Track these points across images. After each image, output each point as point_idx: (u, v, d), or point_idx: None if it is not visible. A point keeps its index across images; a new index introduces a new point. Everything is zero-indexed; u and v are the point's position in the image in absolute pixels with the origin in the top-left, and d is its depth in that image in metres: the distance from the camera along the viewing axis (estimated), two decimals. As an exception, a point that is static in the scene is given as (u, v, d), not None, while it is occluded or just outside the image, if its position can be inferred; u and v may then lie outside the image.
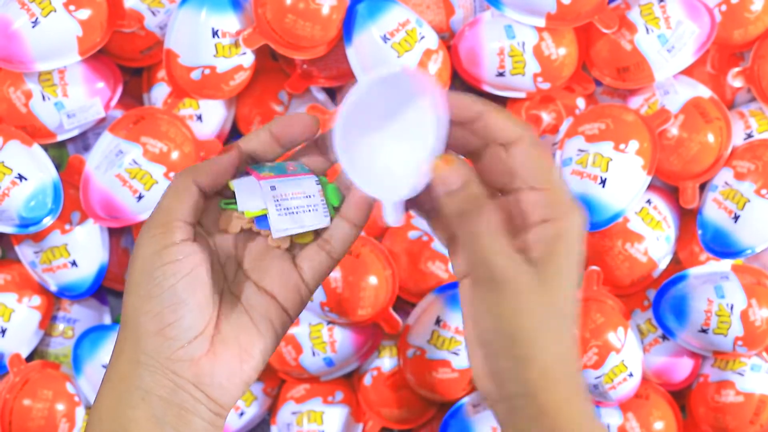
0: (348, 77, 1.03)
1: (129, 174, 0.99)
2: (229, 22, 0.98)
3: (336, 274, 0.98)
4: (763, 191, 0.97)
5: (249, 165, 0.64)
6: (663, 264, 1.03)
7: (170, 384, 0.60)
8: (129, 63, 1.05)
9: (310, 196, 0.64)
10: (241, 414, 1.05)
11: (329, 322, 1.02)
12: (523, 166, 0.62)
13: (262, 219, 0.63)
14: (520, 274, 0.60)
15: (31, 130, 1.00)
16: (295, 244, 0.65)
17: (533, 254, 0.61)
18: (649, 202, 1.02)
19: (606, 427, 1.00)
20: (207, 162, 0.63)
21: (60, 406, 1.00)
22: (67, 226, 1.02)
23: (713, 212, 1.00)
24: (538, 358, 0.60)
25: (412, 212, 0.66)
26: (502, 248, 0.60)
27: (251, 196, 0.63)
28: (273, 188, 0.63)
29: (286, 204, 0.63)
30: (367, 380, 1.04)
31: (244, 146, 0.64)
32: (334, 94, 1.09)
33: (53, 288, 1.03)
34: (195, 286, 0.60)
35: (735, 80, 1.02)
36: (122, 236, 1.07)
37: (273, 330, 0.63)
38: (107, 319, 1.08)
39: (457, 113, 0.61)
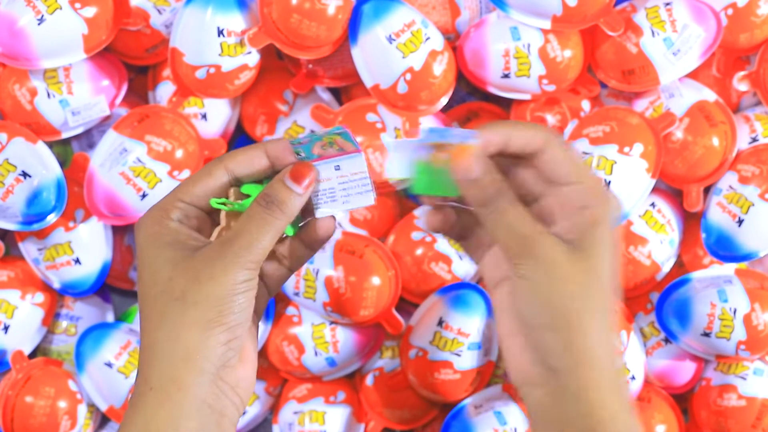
0: (353, 77, 1.03)
1: (133, 172, 0.99)
2: (235, 21, 0.98)
3: (339, 275, 0.98)
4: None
5: (291, 142, 0.65)
6: (666, 267, 1.03)
7: (217, 391, 0.62)
8: (134, 61, 1.05)
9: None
10: (243, 413, 1.05)
11: (332, 322, 1.02)
12: (556, 168, 0.64)
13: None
14: (559, 250, 0.62)
15: (35, 128, 1.00)
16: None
17: (569, 236, 0.63)
18: (653, 205, 1.02)
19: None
20: (240, 149, 0.66)
21: (62, 404, 1.01)
22: (70, 224, 1.02)
23: (717, 216, 1.00)
24: (583, 329, 0.61)
25: (438, 236, 0.68)
26: (536, 226, 0.63)
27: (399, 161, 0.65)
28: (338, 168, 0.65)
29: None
30: (369, 380, 1.04)
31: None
32: (339, 93, 1.09)
33: (56, 285, 1.03)
34: (252, 300, 0.63)
35: (740, 84, 1.02)
36: (126, 234, 1.08)
37: (257, 330, 0.68)
38: (110, 317, 1.08)
39: (493, 146, 0.64)
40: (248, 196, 0.65)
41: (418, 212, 1.03)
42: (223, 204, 0.65)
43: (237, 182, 0.66)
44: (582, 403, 0.61)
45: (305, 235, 0.67)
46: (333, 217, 0.67)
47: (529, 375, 0.64)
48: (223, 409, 0.62)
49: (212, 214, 0.66)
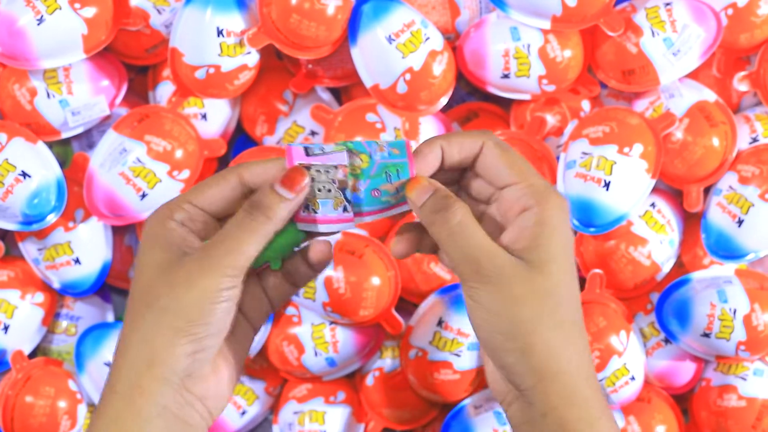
0: (353, 77, 1.03)
1: (133, 172, 0.99)
2: (234, 21, 0.98)
3: (338, 275, 0.98)
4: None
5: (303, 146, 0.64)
6: (666, 268, 1.03)
7: (182, 400, 0.61)
8: (134, 61, 1.05)
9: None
10: (243, 413, 1.05)
11: (332, 323, 1.02)
12: (493, 170, 0.63)
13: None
14: (506, 265, 0.60)
15: (35, 128, 1.00)
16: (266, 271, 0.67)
17: (518, 245, 0.61)
18: (653, 205, 1.02)
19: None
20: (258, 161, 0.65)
21: (62, 404, 1.01)
22: (70, 224, 1.02)
23: (717, 216, 1.00)
24: (540, 347, 0.60)
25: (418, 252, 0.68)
26: (482, 241, 0.61)
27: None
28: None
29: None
30: (369, 381, 1.04)
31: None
32: (338, 94, 1.09)
33: (56, 285, 1.03)
34: (231, 312, 0.62)
35: (741, 84, 1.02)
36: (126, 234, 1.08)
37: (248, 344, 0.67)
38: (110, 317, 1.08)
39: (427, 168, 0.63)
40: None
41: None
42: None
43: (250, 193, 0.65)
44: (551, 420, 0.60)
45: (304, 258, 0.67)
46: (329, 242, 0.66)
47: (501, 392, 0.64)
48: (187, 418, 0.62)
49: (222, 221, 0.65)
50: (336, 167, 0.63)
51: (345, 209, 0.64)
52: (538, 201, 0.61)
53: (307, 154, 0.63)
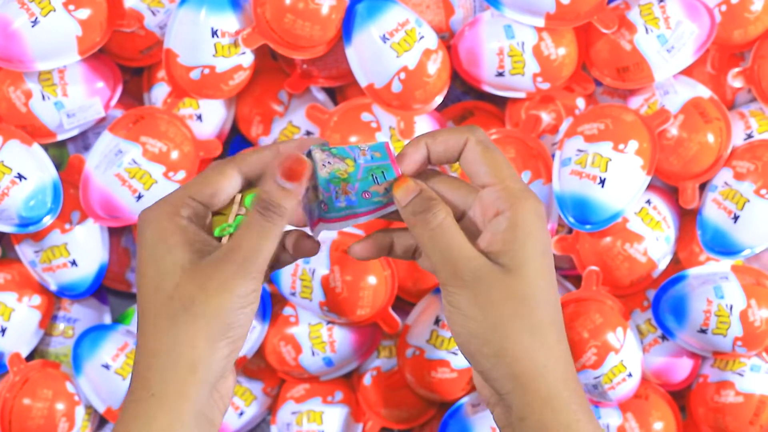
0: (348, 77, 1.03)
1: (128, 173, 0.99)
2: (229, 21, 0.98)
3: (335, 274, 0.98)
4: (763, 191, 0.97)
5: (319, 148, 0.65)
6: (662, 264, 1.03)
7: (212, 402, 0.62)
8: (129, 62, 1.05)
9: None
10: (241, 414, 1.05)
11: (329, 322, 1.02)
12: (472, 166, 0.63)
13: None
14: (482, 269, 0.60)
15: (31, 130, 1.00)
16: None
17: (493, 249, 0.61)
18: (648, 202, 1.02)
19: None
20: (251, 151, 0.65)
21: (60, 406, 1.01)
22: (67, 226, 1.02)
23: (713, 212, 1.00)
24: (514, 352, 0.60)
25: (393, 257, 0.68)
26: (461, 244, 0.61)
27: None
28: None
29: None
30: (367, 380, 1.04)
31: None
32: (334, 93, 1.09)
33: (53, 287, 1.03)
34: (255, 311, 0.63)
35: (735, 80, 1.02)
36: (122, 235, 1.08)
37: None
38: (107, 319, 1.08)
39: (412, 166, 0.64)
40: (245, 213, 0.64)
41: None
42: (225, 230, 0.64)
43: (248, 184, 0.65)
44: (529, 424, 0.60)
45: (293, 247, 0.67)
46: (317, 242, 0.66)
47: (486, 395, 0.64)
48: (214, 418, 0.62)
49: (217, 213, 0.65)
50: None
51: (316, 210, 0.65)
52: (511, 204, 0.61)
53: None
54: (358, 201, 0.64)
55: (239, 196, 0.65)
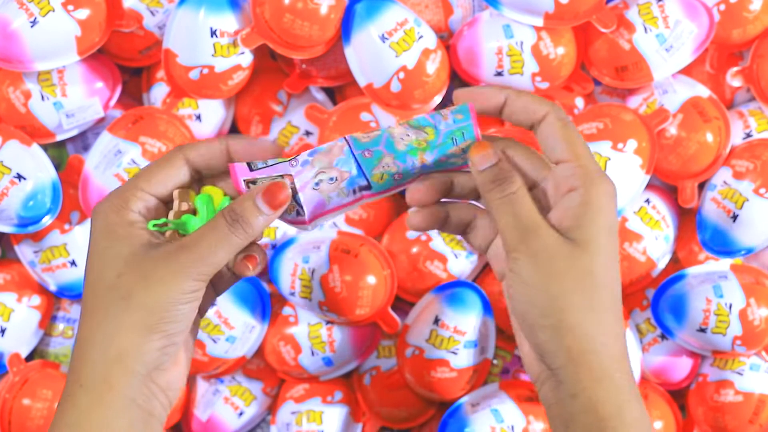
0: (347, 77, 1.03)
1: (128, 173, 0.99)
2: (228, 21, 0.99)
3: (334, 274, 0.98)
4: (762, 190, 0.97)
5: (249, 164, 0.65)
6: (662, 263, 1.03)
7: (147, 392, 0.63)
8: (128, 63, 1.05)
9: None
10: (240, 414, 1.05)
11: (328, 322, 1.02)
12: (548, 140, 0.64)
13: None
14: (551, 240, 0.61)
15: (30, 130, 1.01)
16: None
17: (564, 224, 0.62)
18: (647, 201, 1.02)
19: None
20: (200, 141, 0.66)
21: (59, 406, 1.01)
22: (66, 226, 1.02)
23: (712, 211, 1.00)
24: (573, 326, 0.60)
25: (434, 234, 0.69)
26: (531, 211, 0.62)
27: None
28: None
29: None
30: (366, 380, 1.04)
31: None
32: (333, 93, 1.09)
33: (53, 288, 1.03)
34: (197, 308, 0.64)
35: (734, 80, 1.02)
36: (121, 236, 1.07)
37: (197, 332, 0.68)
38: (107, 319, 1.08)
39: (485, 104, 0.64)
40: (188, 209, 0.65)
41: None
42: (163, 225, 0.64)
43: (196, 174, 0.65)
44: (580, 401, 0.61)
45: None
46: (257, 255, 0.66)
47: (535, 372, 0.64)
48: (152, 409, 0.63)
49: (169, 204, 0.66)
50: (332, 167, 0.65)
51: (298, 213, 0.66)
52: (585, 182, 0.62)
53: (251, 169, 0.64)
54: (434, 166, 0.66)
55: (177, 192, 0.65)
